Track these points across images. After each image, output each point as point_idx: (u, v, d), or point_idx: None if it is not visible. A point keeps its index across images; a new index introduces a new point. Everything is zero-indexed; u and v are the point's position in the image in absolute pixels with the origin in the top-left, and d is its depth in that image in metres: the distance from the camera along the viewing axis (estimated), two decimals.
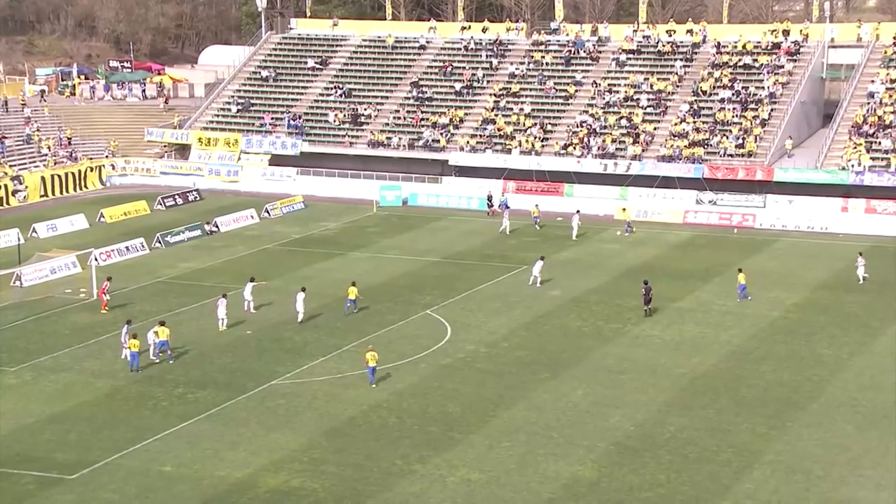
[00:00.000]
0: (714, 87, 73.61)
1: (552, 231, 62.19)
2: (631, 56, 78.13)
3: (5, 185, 68.84)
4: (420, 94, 79.02)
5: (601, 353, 41.20)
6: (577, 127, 73.41)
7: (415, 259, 55.62)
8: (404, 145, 75.11)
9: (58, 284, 49.82)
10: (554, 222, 64.78)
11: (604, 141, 71.68)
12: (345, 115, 78.43)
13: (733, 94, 72.63)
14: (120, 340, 40.11)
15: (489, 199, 68.84)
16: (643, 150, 70.56)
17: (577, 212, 60.61)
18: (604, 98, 75.06)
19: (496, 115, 75.91)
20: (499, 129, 74.61)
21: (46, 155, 74.36)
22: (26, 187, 70.17)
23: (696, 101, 73.14)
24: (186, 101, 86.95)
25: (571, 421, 34.47)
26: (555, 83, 77.50)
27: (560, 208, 68.79)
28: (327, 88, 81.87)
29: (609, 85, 76.12)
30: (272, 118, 79.29)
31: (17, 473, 30.20)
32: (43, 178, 71.58)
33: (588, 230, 63.05)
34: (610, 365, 39.83)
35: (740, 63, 74.94)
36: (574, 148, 71.70)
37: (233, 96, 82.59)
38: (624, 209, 61.77)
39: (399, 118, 77.78)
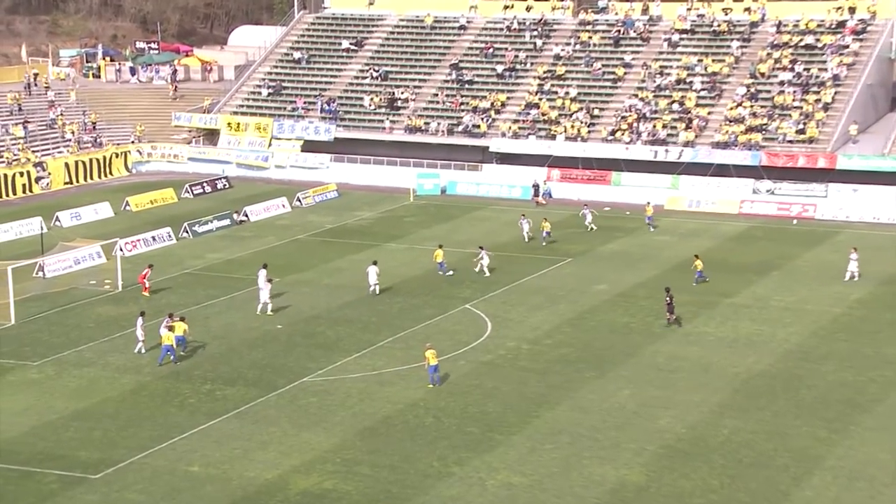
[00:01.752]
0: (773, 69, 72.86)
1: (599, 222, 61.87)
2: (684, 36, 77.51)
3: (28, 172, 69.75)
4: (460, 77, 78.94)
5: (650, 350, 41.01)
6: (626, 111, 73.01)
7: (454, 251, 55.64)
8: (443, 131, 75.10)
9: (82, 275, 50.41)
10: (601, 212, 64.52)
11: (654, 126, 71.23)
12: (381, 99, 78.57)
13: (794, 77, 71.84)
14: (136, 335, 40.42)
15: (535, 187, 68.71)
16: (696, 136, 70.03)
17: (586, 206, 60.04)
18: (655, 81, 74.57)
19: (540, 100, 75.66)
20: (543, 114, 74.38)
21: (70, 140, 75.22)
22: (49, 174, 71.05)
23: (753, 83, 72.44)
24: (215, 85, 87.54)
25: (618, 422, 34.35)
26: (603, 65, 77.10)
27: (607, 198, 68.58)
28: (362, 71, 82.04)
29: (660, 67, 75.60)
30: (305, 102, 79.62)
31: (39, 472, 30.63)
32: (67, 165, 72.45)
33: (638, 221, 62.77)
34: (660, 363, 39.65)
35: (802, 43, 74.09)
36: (622, 134, 71.33)
37: (264, 79, 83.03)
38: (648, 203, 61.07)
39: (438, 102, 77.76)
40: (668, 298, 43.73)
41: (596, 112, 73.87)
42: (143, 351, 40.19)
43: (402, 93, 78.82)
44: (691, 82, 73.79)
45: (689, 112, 71.81)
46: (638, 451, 32.26)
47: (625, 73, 76.12)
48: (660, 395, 36.62)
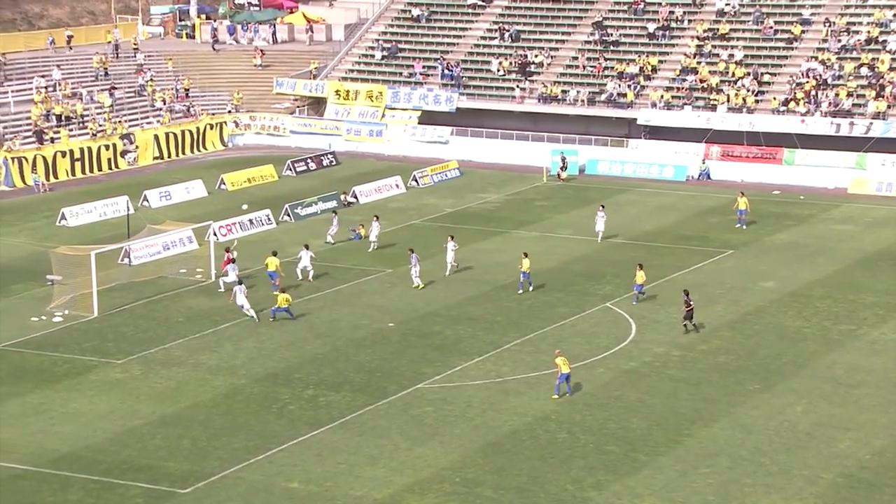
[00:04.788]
0: None
1: (766, 208, 60.79)
2: None
3: (114, 145, 71.91)
4: (604, 38, 78.39)
5: (827, 360, 40.27)
6: (803, 77, 71.56)
7: (592, 240, 55.33)
8: (583, 100, 74.72)
9: (171, 263, 51.76)
10: (770, 196, 63.31)
11: (837, 95, 69.73)
12: (511, 64, 78.56)
13: None
14: (238, 303, 43.95)
15: (563, 159, 68.46)
16: (889, 107, 68.19)
17: (602, 206, 56.89)
18: (839, 40, 72.92)
19: (699, 63, 74.67)
20: (701, 81, 73.41)
21: (161, 109, 77.26)
22: (137, 147, 73.15)
23: None
24: (323, 46, 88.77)
25: (788, 445, 33.77)
26: (775, 22, 75.75)
27: (777, 179, 67.38)
28: (490, 31, 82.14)
29: (847, 24, 73.90)
30: (423, 67, 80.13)
31: (123, 484, 31.60)
32: (156, 137, 74.46)
33: (814, 207, 61.43)
34: (839, 376, 38.89)
35: None
36: (797, 104, 69.98)
37: (377, 40, 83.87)
38: (742, 193, 58.68)
39: (577, 67, 77.39)
40: (686, 303, 42.72)
41: (766, 78, 72.61)
42: (255, 317, 43.49)
43: (536, 56, 78.64)
44: (885, 42, 71.94)
45: (882, 78, 70.00)
46: (812, 479, 31.67)
47: (802, 32, 74.57)
48: (838, 413, 35.92)
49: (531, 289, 47.24)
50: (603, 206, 56.29)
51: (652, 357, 40.76)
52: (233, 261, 47.71)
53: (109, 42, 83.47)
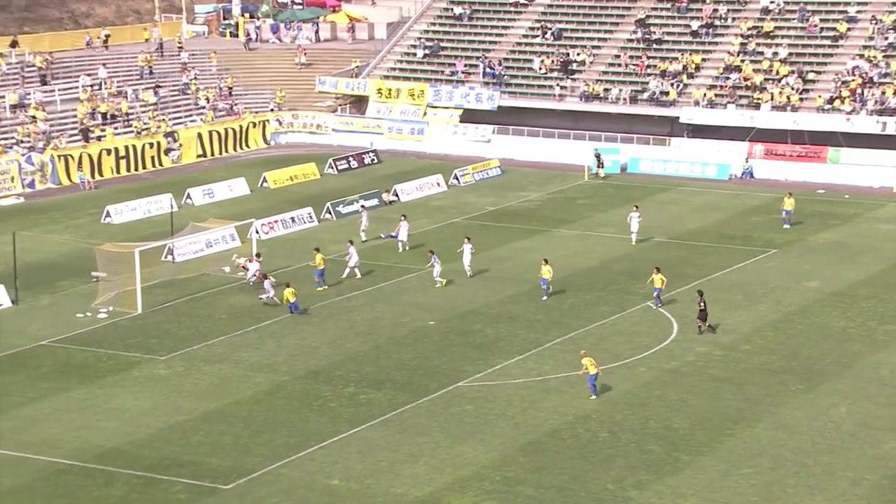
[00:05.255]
0: None
1: (810, 207, 60.31)
2: None
3: (158, 143, 72.42)
4: (647, 35, 78.05)
5: (872, 361, 39.92)
6: (848, 75, 70.90)
7: (627, 237, 55.09)
8: (625, 99, 74.42)
9: (214, 260, 52.05)
10: (814, 195, 62.80)
11: (883, 93, 69.09)
12: (553, 62, 78.37)
13: None
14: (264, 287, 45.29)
15: (597, 157, 68.13)
16: None
17: (636, 207, 55.70)
18: (886, 38, 72.20)
19: (742, 61, 74.18)
20: (745, 79, 72.93)
21: (204, 107, 77.70)
22: (180, 145, 73.61)
23: None
24: (365, 45, 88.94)
25: (832, 446, 33.51)
26: (821, 19, 75.09)
27: (821, 178, 66.79)
28: (532, 29, 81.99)
29: (894, 21, 73.24)
30: (465, 65, 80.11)
31: (166, 480, 31.83)
32: (199, 135, 74.92)
33: (859, 206, 60.87)
34: (884, 377, 38.56)
35: None
36: (843, 102, 69.33)
37: (419, 38, 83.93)
38: (790, 194, 57.90)
39: (619, 65, 77.09)
40: (700, 303, 42.25)
41: (810, 76, 72.02)
42: (274, 298, 45.02)
43: (578, 54, 78.40)
44: None
45: None
46: (856, 480, 31.42)
47: (848, 30, 73.89)
48: (883, 414, 35.62)
49: (545, 298, 46.09)
50: (637, 207, 55.44)
51: (694, 356, 40.55)
52: (265, 276, 46.71)
53: (146, 40, 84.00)
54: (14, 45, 78.26)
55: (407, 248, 52.93)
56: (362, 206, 57.73)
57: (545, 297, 46.22)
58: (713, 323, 42.95)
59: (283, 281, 46.17)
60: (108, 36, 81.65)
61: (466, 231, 57.26)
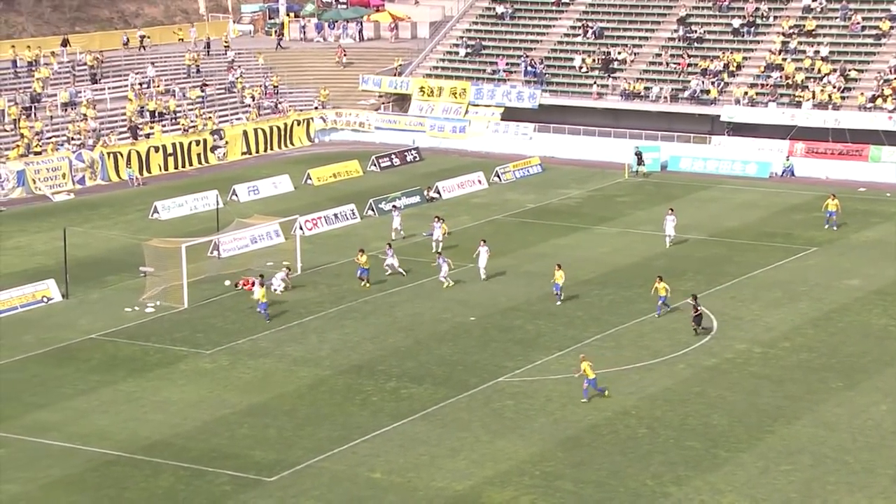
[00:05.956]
0: None
1: (851, 205, 59.75)
2: None
3: (204, 141, 72.88)
4: (688, 34, 77.61)
5: None
6: (891, 74, 70.19)
7: (675, 231, 54.81)
8: (666, 97, 74.06)
9: (258, 256, 52.33)
10: (856, 193, 62.26)
11: None
12: (594, 60, 78.11)
13: None
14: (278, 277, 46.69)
15: (638, 155, 67.66)
16: None
17: (671, 210, 54.37)
18: None
19: (784, 60, 73.61)
20: (786, 77, 72.37)
21: (249, 106, 78.10)
22: (226, 143, 74.03)
23: None
24: (407, 43, 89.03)
25: (872, 443, 33.24)
26: (863, 18, 74.31)
27: (863, 176, 66.20)
28: (573, 28, 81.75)
29: None
30: (507, 64, 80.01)
31: (211, 472, 32.07)
32: (245, 133, 75.31)
33: None
34: None
35: None
36: (885, 100, 68.67)
37: (461, 37, 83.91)
38: (833, 196, 57.11)
39: (660, 63, 76.72)
40: (695, 307, 41.59)
41: (852, 74, 71.35)
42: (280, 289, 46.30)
43: (619, 52, 78.09)
44: None
45: None
46: None
47: (891, 28, 73.19)
48: None
49: (558, 303, 45.29)
50: (672, 210, 54.49)
51: (734, 354, 40.33)
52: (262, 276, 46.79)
53: (181, 40, 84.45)
54: (65, 44, 79.05)
55: (440, 248, 52.08)
56: (394, 206, 57.78)
57: (559, 303, 45.38)
58: (707, 326, 42.17)
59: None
60: (142, 37, 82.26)
61: (508, 228, 57.30)
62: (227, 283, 47.98)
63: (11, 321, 44.28)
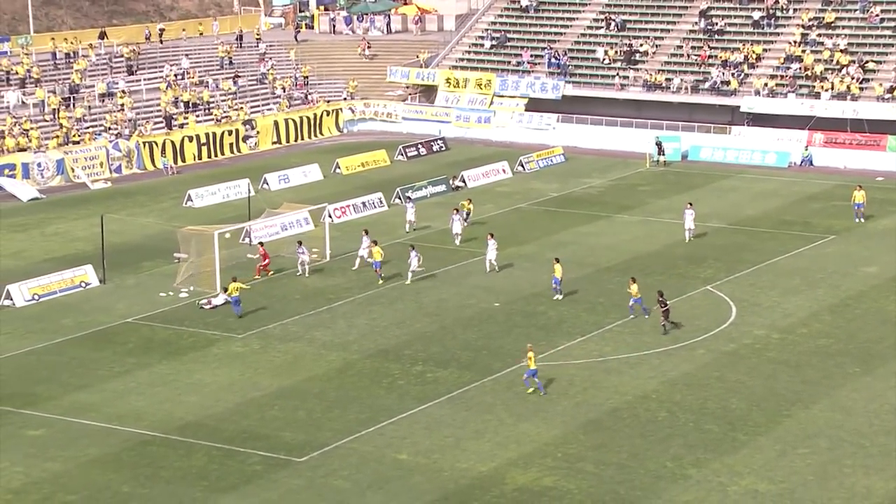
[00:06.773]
0: None
1: (869, 194, 59.24)
2: None
3: (236, 130, 73.13)
4: (709, 26, 77.24)
5: None
6: None
7: (694, 224, 54.63)
8: (687, 88, 73.76)
9: (288, 243, 52.46)
10: (874, 183, 61.92)
11: None
12: (616, 52, 77.86)
13: None
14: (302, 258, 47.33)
15: (658, 145, 67.36)
16: None
17: (689, 204, 52.69)
18: None
19: (803, 51, 73.17)
20: (806, 69, 71.94)
21: (280, 96, 78.28)
22: (257, 133, 74.27)
23: None
24: (434, 36, 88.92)
25: (888, 427, 33.14)
26: (882, 10, 73.82)
27: (881, 166, 65.85)
28: (597, 20, 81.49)
29: None
30: (531, 55, 79.86)
31: (243, 452, 32.26)
32: (276, 123, 75.51)
33: None
34: None
35: None
36: None
37: (487, 30, 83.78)
38: (860, 186, 55.99)
39: (682, 55, 76.41)
40: (662, 303, 40.39)
41: (871, 66, 70.92)
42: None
43: (642, 44, 77.82)
44: None
45: None
46: None
47: None
48: None
49: (560, 297, 44.35)
50: (691, 204, 52.98)
51: (752, 339, 40.22)
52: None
53: (201, 34, 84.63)
54: (103, 36, 79.38)
55: (458, 241, 51.56)
56: (407, 198, 57.68)
57: (559, 297, 44.41)
58: (677, 321, 41.16)
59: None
60: (161, 31, 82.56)
61: (531, 216, 57.28)
62: (176, 257, 48.10)
63: (51, 305, 44.64)
